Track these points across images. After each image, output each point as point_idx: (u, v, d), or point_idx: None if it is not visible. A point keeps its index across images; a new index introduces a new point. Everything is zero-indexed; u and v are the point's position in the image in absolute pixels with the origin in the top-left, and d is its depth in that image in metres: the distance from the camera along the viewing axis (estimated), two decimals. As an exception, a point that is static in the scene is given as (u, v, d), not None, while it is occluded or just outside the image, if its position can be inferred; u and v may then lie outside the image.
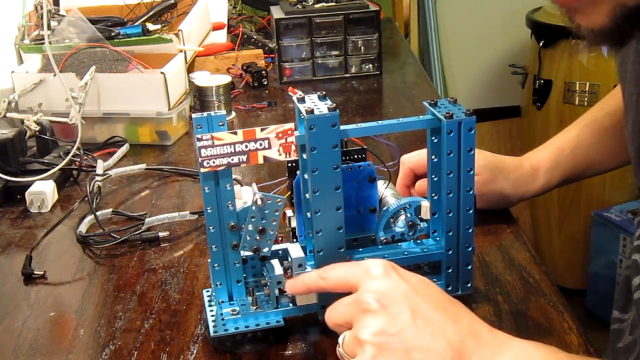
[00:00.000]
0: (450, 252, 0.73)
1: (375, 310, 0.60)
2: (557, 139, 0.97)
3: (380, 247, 0.73)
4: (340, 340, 0.63)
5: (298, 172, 0.71)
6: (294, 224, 0.75)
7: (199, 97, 1.36)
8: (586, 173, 0.98)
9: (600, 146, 0.96)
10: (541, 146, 0.97)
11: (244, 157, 0.66)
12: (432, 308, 0.60)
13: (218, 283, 0.71)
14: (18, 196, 1.06)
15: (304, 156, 0.67)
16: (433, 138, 0.70)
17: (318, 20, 1.55)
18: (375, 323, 0.59)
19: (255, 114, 1.42)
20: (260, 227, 0.69)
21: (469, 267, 0.74)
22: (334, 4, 1.58)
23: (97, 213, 0.98)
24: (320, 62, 1.58)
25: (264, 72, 1.56)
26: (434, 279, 0.75)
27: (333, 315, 0.64)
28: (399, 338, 0.58)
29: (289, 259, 0.71)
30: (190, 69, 1.50)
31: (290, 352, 0.71)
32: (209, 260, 0.70)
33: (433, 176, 0.72)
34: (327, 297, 0.70)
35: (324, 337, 0.72)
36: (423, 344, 0.58)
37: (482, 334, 0.59)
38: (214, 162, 0.65)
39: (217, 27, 1.65)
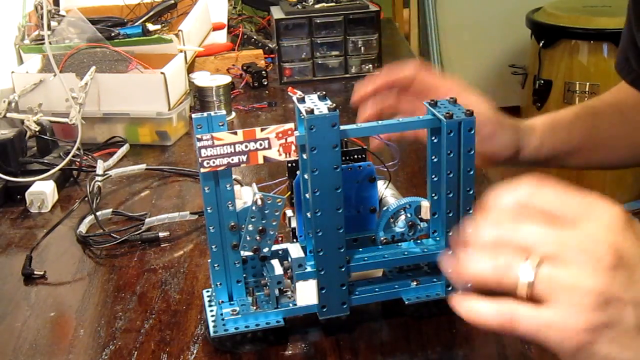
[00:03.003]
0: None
1: (609, 266, 0.46)
2: (555, 112, 0.97)
3: (380, 247, 0.73)
4: (528, 268, 0.47)
5: (298, 172, 0.71)
6: (294, 224, 0.75)
7: (199, 97, 1.36)
8: (576, 158, 0.96)
9: (594, 131, 0.96)
10: (539, 115, 0.96)
11: (244, 157, 0.66)
12: None
13: (218, 283, 0.71)
14: (18, 196, 1.06)
15: (304, 156, 0.67)
16: (433, 138, 0.70)
17: (318, 21, 1.55)
18: (608, 282, 0.46)
19: (255, 114, 1.42)
20: (260, 227, 0.69)
21: (469, 267, 0.74)
22: (334, 4, 1.58)
23: (97, 213, 0.98)
24: (320, 62, 1.58)
25: (264, 72, 1.56)
26: (434, 279, 0.75)
27: (527, 238, 0.48)
28: (633, 309, 0.46)
29: (289, 259, 0.71)
30: (190, 69, 1.50)
31: (290, 352, 0.71)
32: (209, 260, 0.70)
33: (433, 176, 0.71)
34: (328, 297, 0.70)
35: (324, 337, 0.72)
36: None
37: None
38: (214, 162, 0.65)
39: (217, 28, 1.65)
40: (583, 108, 0.98)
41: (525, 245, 0.48)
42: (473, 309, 0.49)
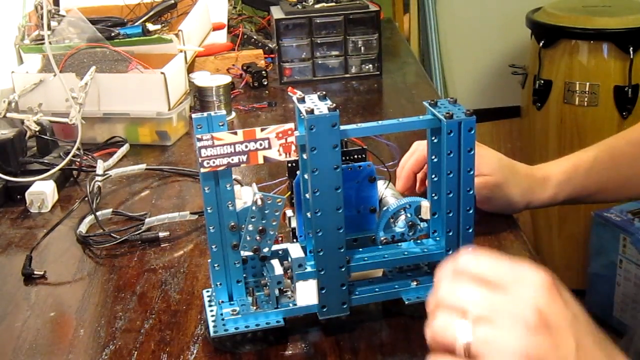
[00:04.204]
0: (450, 252, 0.73)
1: (536, 329, 0.50)
2: (574, 157, 0.96)
3: (380, 247, 0.74)
4: (464, 328, 0.51)
5: (298, 172, 0.71)
6: (294, 224, 0.75)
7: (199, 97, 1.36)
8: (594, 197, 0.97)
9: (614, 173, 0.96)
10: (556, 160, 0.96)
11: (244, 157, 0.66)
12: (593, 342, 0.52)
13: (218, 283, 0.71)
14: (18, 196, 1.06)
15: (304, 156, 0.67)
16: (433, 138, 0.70)
17: (318, 21, 1.55)
18: (536, 344, 0.50)
19: (255, 114, 1.42)
20: (260, 227, 0.69)
21: (469, 267, 0.74)
22: (334, 4, 1.58)
23: (97, 213, 0.98)
24: (320, 62, 1.58)
25: (264, 72, 1.56)
26: (434, 279, 0.74)
27: (462, 298, 0.53)
28: None
29: (289, 259, 0.71)
30: (190, 69, 1.50)
31: (290, 352, 0.71)
32: (209, 260, 0.70)
33: (433, 176, 0.72)
34: (328, 297, 0.70)
35: (324, 337, 0.72)
36: None
37: None
38: (214, 162, 0.65)
39: (217, 27, 1.65)
40: (603, 149, 0.97)
41: (460, 307, 0.52)
42: None
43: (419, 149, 0.92)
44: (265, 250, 0.70)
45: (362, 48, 1.58)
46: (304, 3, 1.59)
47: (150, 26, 1.45)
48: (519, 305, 0.51)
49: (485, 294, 0.52)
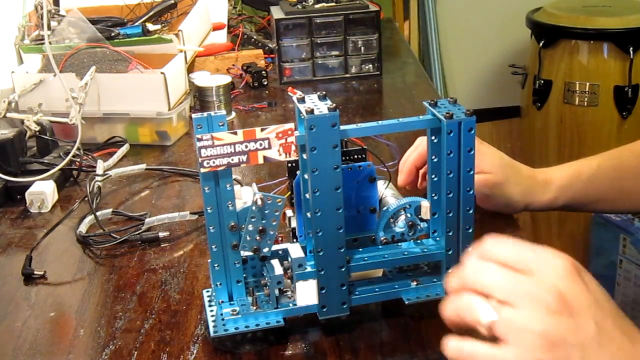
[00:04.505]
0: (451, 252, 0.73)
1: (557, 311, 0.52)
2: (577, 163, 0.96)
3: (380, 247, 0.74)
4: (488, 309, 0.53)
5: (298, 172, 0.71)
6: (294, 224, 0.75)
7: (199, 97, 1.36)
8: (593, 206, 0.97)
9: (616, 184, 0.95)
10: (559, 165, 0.96)
11: (244, 157, 0.66)
12: (613, 325, 0.54)
13: (218, 283, 0.71)
14: (18, 196, 1.06)
15: (304, 156, 0.67)
16: (433, 138, 0.70)
17: (318, 21, 1.55)
18: (556, 326, 0.52)
19: (255, 114, 1.42)
20: (260, 227, 0.69)
21: (469, 267, 0.74)
22: (334, 4, 1.58)
23: (97, 213, 0.98)
24: (320, 62, 1.58)
25: (264, 72, 1.56)
26: (434, 279, 0.75)
27: (487, 281, 0.54)
28: (579, 352, 0.52)
29: (289, 259, 0.71)
30: (190, 69, 1.50)
31: (290, 352, 0.71)
32: (209, 260, 0.71)
33: (433, 176, 0.72)
34: (328, 297, 0.70)
35: (324, 337, 0.72)
36: None
37: None
38: (214, 162, 0.66)
39: (217, 28, 1.65)
40: (607, 159, 0.97)
41: (484, 289, 0.54)
42: (447, 345, 0.55)
43: (422, 144, 0.92)
44: (265, 250, 0.70)
45: (362, 48, 1.58)
46: (304, 3, 1.59)
47: (150, 26, 1.45)
48: (541, 289, 0.53)
49: (509, 278, 0.54)
